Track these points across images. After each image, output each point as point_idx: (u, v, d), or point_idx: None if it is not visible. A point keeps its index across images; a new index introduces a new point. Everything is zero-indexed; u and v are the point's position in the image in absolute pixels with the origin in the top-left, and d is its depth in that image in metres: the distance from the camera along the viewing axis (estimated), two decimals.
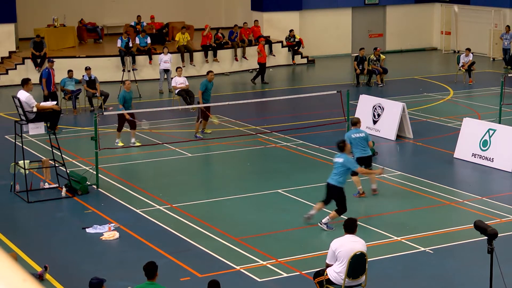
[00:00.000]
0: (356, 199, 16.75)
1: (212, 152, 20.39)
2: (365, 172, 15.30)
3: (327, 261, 11.01)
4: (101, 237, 14.33)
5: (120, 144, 20.57)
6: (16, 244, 13.99)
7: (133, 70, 29.47)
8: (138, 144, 20.53)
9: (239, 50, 33.04)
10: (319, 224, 14.48)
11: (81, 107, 25.62)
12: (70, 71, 25.66)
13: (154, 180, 18.08)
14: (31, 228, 15.16)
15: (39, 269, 12.66)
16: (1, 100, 28.03)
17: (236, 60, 33.06)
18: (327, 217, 14.42)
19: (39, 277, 12.30)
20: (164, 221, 15.09)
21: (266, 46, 33.99)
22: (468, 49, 30.40)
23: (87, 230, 14.69)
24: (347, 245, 10.80)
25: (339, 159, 14.21)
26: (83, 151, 20.07)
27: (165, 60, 28.72)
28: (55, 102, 18.38)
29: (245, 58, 32.66)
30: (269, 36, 34.50)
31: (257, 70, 30.72)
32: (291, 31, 34.73)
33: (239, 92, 29.11)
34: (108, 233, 14.45)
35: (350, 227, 10.96)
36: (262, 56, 30.56)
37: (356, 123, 16.60)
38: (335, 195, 14.29)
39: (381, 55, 29.88)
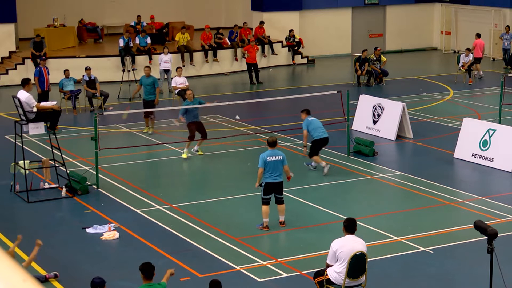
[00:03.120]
0: (358, 200, 16.76)
1: (212, 152, 20.37)
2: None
3: (328, 261, 11.00)
4: (101, 237, 14.33)
5: (198, 152, 19.80)
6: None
7: (132, 70, 29.45)
8: (200, 153, 19.78)
9: (239, 50, 33.06)
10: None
11: (81, 107, 25.62)
12: (66, 71, 25.69)
13: (154, 180, 18.08)
14: (31, 228, 15.14)
15: (39, 269, 12.64)
16: (1, 100, 28.04)
17: (236, 60, 33.07)
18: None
19: (45, 279, 12.28)
20: (164, 221, 15.08)
21: (266, 46, 34.02)
22: (468, 49, 30.41)
23: (87, 230, 14.69)
24: (348, 246, 10.79)
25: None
26: (83, 151, 20.06)
27: (165, 60, 28.72)
28: (55, 102, 18.39)
29: (245, 58, 32.63)
30: (269, 36, 34.50)
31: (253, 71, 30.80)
32: (291, 31, 34.73)
33: (239, 92, 29.11)
34: (108, 233, 14.45)
35: (351, 227, 10.94)
36: (249, 57, 30.70)
37: (273, 143, 14.51)
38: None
39: (382, 56, 29.88)
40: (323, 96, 22.90)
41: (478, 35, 32.10)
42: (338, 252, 10.78)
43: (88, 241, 14.25)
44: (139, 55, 31.15)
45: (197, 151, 19.86)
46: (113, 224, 14.83)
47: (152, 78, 22.24)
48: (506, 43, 33.16)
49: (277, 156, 14.32)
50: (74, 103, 25.19)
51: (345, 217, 11.86)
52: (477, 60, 30.71)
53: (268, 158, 14.28)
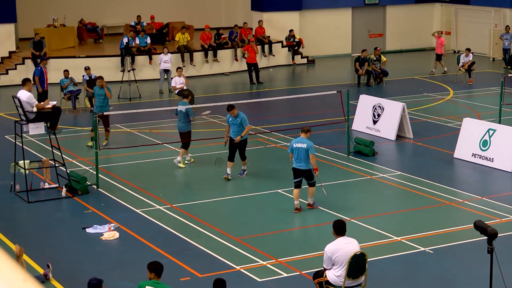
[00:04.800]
0: (358, 200, 16.77)
1: (212, 152, 20.37)
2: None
3: (325, 266, 10.97)
4: (101, 237, 14.33)
5: (188, 161, 19.01)
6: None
7: (132, 70, 29.42)
8: (182, 166, 18.86)
9: (239, 50, 33.07)
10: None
11: (81, 107, 25.63)
12: (65, 71, 25.68)
13: (154, 180, 18.07)
14: (31, 228, 15.15)
15: (39, 269, 12.64)
16: (1, 100, 28.04)
17: (236, 60, 33.07)
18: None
19: (45, 277, 12.27)
20: (164, 221, 15.09)
21: (266, 46, 34.02)
22: (468, 49, 30.42)
23: (87, 230, 14.69)
24: (343, 249, 10.75)
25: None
26: (83, 151, 20.07)
27: (165, 60, 28.73)
28: (55, 102, 18.39)
29: (245, 58, 32.66)
30: (269, 36, 34.50)
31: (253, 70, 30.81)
32: (291, 31, 34.74)
33: (239, 92, 29.11)
34: (108, 233, 14.45)
35: (341, 229, 10.91)
36: (249, 57, 30.72)
37: (304, 131, 15.30)
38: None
39: (382, 56, 29.88)
40: (323, 96, 22.91)
41: (441, 32, 33.46)
42: (334, 257, 10.74)
43: (88, 241, 14.25)
44: (139, 55, 31.16)
45: (186, 161, 19.20)
46: (113, 224, 14.83)
47: (104, 90, 21.03)
48: (506, 43, 33.16)
49: (302, 144, 15.04)
50: (74, 103, 25.20)
51: (346, 218, 11.87)
52: (439, 57, 32.17)
53: (294, 145, 15.18)
